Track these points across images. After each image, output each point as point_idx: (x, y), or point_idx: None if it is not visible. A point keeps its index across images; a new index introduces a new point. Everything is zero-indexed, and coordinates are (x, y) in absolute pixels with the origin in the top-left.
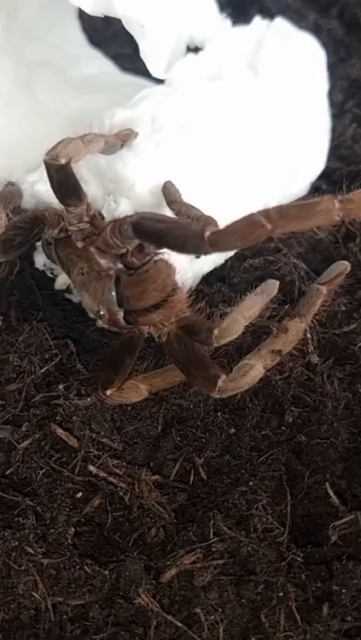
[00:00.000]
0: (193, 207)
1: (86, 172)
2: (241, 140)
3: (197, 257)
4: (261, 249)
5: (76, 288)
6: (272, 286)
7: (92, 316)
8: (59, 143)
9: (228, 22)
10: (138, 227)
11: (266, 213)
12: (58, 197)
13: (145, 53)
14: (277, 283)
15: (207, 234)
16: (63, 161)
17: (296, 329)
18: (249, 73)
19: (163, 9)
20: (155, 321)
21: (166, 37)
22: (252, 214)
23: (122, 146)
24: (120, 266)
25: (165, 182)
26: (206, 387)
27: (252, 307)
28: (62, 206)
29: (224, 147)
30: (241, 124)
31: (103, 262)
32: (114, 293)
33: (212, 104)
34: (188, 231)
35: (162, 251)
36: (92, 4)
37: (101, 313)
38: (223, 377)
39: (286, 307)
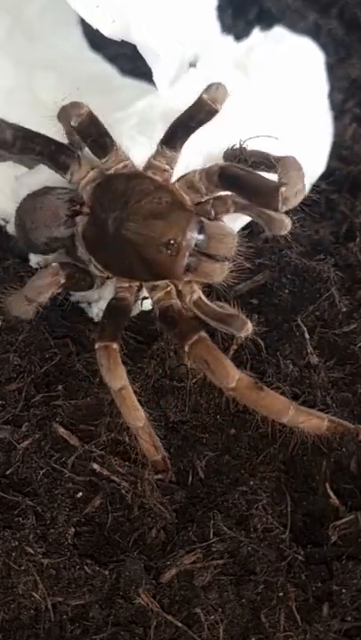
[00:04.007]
0: None
1: None
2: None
3: None
4: (262, 249)
5: (136, 220)
6: None
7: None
8: (218, 87)
9: (230, 38)
10: (223, 172)
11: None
12: (177, 128)
13: (158, 77)
14: None
15: (283, 189)
16: (219, 107)
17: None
18: (243, 76)
19: (174, 35)
20: (210, 274)
21: (176, 60)
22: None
23: None
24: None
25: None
26: (175, 342)
27: None
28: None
29: (220, 149)
30: (237, 127)
31: (188, 198)
32: (197, 231)
33: None
34: (266, 183)
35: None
36: (111, 29)
37: (173, 241)
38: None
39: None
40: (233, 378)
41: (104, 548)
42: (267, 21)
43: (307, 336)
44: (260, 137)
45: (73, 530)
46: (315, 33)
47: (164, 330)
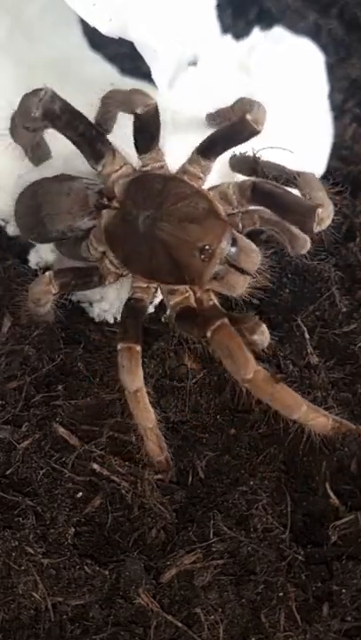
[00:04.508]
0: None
1: None
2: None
3: None
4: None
5: (171, 221)
6: None
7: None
8: (259, 107)
9: (229, 38)
10: (257, 187)
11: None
12: (217, 141)
13: (156, 74)
14: None
15: (319, 210)
16: (261, 128)
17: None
18: (243, 76)
19: (172, 33)
20: (234, 285)
21: (174, 58)
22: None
23: None
24: None
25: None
26: (196, 332)
27: None
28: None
29: None
30: None
31: (223, 208)
32: (231, 241)
33: (208, 107)
34: (302, 203)
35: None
36: (108, 26)
37: (208, 247)
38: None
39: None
40: (252, 368)
41: (104, 547)
42: (267, 21)
43: (307, 336)
44: (271, 148)
45: (73, 530)
46: (315, 33)
47: (182, 324)
